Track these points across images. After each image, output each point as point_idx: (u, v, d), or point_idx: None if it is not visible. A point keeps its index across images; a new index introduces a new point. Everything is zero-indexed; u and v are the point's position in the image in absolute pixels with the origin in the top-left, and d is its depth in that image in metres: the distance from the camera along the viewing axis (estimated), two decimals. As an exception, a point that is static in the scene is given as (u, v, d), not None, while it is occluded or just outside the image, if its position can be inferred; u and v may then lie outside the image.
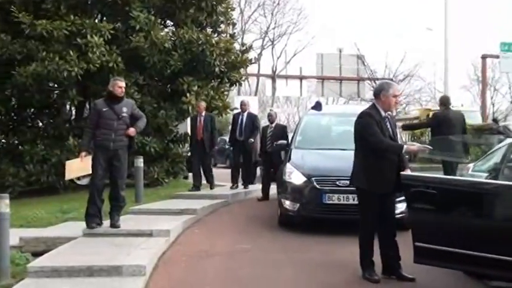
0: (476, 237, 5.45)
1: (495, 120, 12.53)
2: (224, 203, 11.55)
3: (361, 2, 66.13)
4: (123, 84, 8.25)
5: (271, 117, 12.92)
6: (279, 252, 7.60)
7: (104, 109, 7.94)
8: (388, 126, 6.47)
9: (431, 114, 18.99)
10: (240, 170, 13.25)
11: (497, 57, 24.09)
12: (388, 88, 6.53)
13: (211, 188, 12.67)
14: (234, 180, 13.11)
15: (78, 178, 7.89)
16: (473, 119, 18.25)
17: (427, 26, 37.30)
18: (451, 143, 10.51)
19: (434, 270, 6.08)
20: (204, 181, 12.78)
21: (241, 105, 13.33)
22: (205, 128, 12.26)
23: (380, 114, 6.45)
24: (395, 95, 6.53)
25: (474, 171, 7.06)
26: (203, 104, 12.63)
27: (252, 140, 12.66)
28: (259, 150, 12.99)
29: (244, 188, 13.11)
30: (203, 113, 12.42)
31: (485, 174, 6.61)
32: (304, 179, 8.74)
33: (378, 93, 6.59)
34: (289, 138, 11.26)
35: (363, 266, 6.44)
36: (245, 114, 12.87)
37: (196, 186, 12.48)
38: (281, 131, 12.37)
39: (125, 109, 8.11)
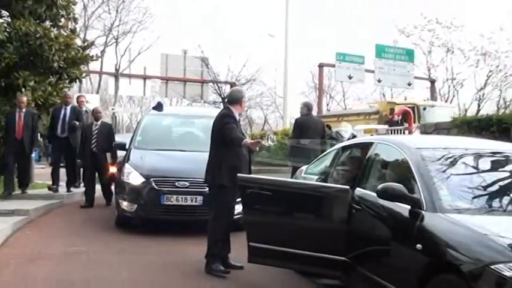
0: (300, 236, 5.67)
1: (328, 126, 13.23)
2: (59, 204, 11.23)
3: (206, 5, 66.65)
4: None
5: (97, 115, 11.55)
6: (115, 254, 7.53)
7: None
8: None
9: (396, 108, 19.50)
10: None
11: (333, 66, 25.27)
12: (245, 95, 7.35)
13: (22, 193, 11.34)
14: (55, 182, 11.89)
15: None
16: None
17: (269, 33, 38.48)
18: (302, 149, 11.07)
19: (271, 270, 6.31)
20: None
21: (65, 97, 12.29)
22: (26, 125, 10.92)
23: (235, 117, 6.89)
24: (245, 100, 7.25)
25: (306, 174, 7.39)
26: (24, 99, 11.31)
27: (77, 122, 11.62)
28: (81, 150, 11.52)
29: (67, 191, 12.05)
30: (23, 109, 11.11)
31: (316, 177, 6.93)
32: (143, 179, 8.73)
33: (239, 99, 7.06)
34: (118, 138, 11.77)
35: (211, 260, 6.66)
36: (68, 108, 11.84)
37: (9, 191, 10.93)
38: (107, 130, 11.46)
39: None
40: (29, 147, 11.06)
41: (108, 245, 8.09)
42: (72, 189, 12.24)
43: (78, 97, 13.89)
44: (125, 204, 8.95)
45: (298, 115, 12.52)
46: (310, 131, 11.21)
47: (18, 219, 9.18)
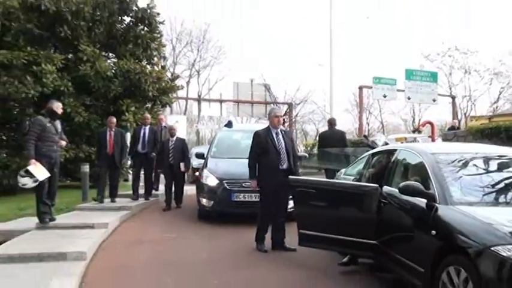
0: (339, 224, 5.69)
1: (365, 136, 13.23)
2: (154, 202, 11.37)
3: (267, 41, 66.96)
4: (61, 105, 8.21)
5: (172, 131, 10.86)
6: (197, 240, 7.68)
7: (48, 124, 7.67)
8: (281, 138, 7.03)
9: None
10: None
11: (370, 87, 24.93)
12: (271, 112, 7.27)
13: (111, 201, 10.39)
14: (135, 192, 11.00)
15: (25, 184, 7.50)
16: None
17: (318, 62, 38.46)
18: (329, 155, 11.08)
19: (317, 251, 6.30)
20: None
21: (144, 119, 11.48)
22: (116, 142, 10.25)
23: (269, 130, 7.06)
24: (276, 115, 7.15)
25: (345, 175, 7.36)
26: (114, 120, 10.59)
27: (154, 154, 10.96)
28: (158, 162, 11.09)
29: (145, 199, 11.07)
30: (113, 129, 10.35)
31: (352, 177, 6.90)
32: (218, 181, 8.88)
33: (269, 117, 7.34)
34: (193, 151, 11.79)
35: (257, 240, 6.97)
36: (147, 128, 11.09)
37: (102, 197, 10.30)
38: (181, 144, 10.79)
39: (59, 125, 8.00)
40: (119, 161, 10.38)
41: (192, 232, 8.25)
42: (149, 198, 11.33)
43: (158, 115, 13.65)
44: (204, 201, 9.12)
45: (342, 127, 12.56)
46: (330, 141, 11.24)
47: (123, 213, 9.42)
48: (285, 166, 6.94)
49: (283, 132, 7.20)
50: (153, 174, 11.78)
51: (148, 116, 11.61)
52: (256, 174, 7.05)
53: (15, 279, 5.09)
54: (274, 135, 7.01)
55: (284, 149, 6.99)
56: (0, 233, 7.67)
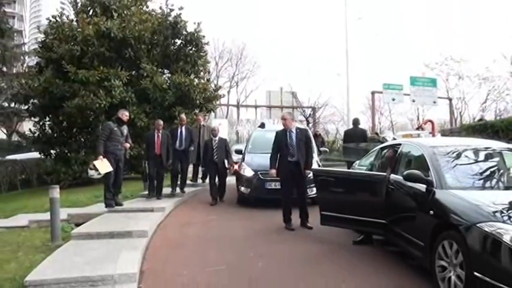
0: (355, 207, 5.73)
1: (377, 133, 13.10)
2: (200, 190, 11.22)
3: (294, 55, 66.61)
4: (127, 113, 8.49)
5: (214, 132, 10.02)
6: (236, 221, 7.72)
7: (115, 128, 8.06)
8: (293, 136, 7.08)
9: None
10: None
11: (381, 92, 24.50)
12: (283, 117, 7.33)
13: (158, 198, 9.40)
14: (173, 185, 10.06)
15: (92, 175, 7.87)
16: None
17: (337, 72, 38.13)
18: (351, 149, 11.01)
19: (336, 230, 6.32)
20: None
21: (180, 120, 10.29)
22: (162, 143, 9.39)
23: (285, 130, 7.12)
24: (285, 118, 7.22)
25: (359, 166, 7.32)
26: (161, 122, 9.67)
27: (192, 148, 10.09)
28: (202, 160, 10.26)
29: (181, 191, 10.17)
30: (161, 131, 9.48)
31: (365, 168, 6.87)
32: (253, 172, 8.94)
33: (282, 119, 7.36)
34: (233, 148, 11.45)
35: (285, 221, 7.01)
36: (183, 128, 10.00)
37: (151, 193, 9.54)
38: (223, 143, 9.87)
39: (125, 130, 8.30)
40: (166, 160, 9.43)
41: (232, 215, 8.30)
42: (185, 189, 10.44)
43: (196, 116, 13.01)
44: (242, 189, 9.19)
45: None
46: (353, 137, 11.22)
47: (177, 199, 9.51)
48: (294, 159, 7.00)
49: (298, 131, 7.21)
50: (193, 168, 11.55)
51: (184, 117, 10.53)
52: (276, 165, 7.14)
53: (95, 252, 5.27)
54: (288, 134, 7.09)
55: (295, 145, 7.04)
56: (81, 216, 7.94)
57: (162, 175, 9.56)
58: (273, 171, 7.19)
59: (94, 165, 7.59)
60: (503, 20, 46.96)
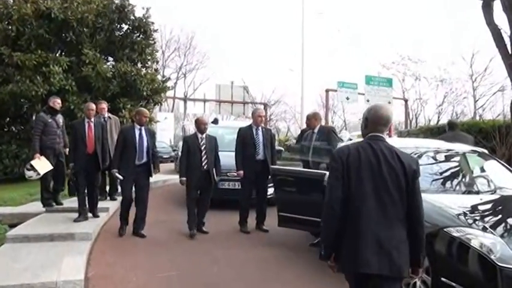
0: (314, 207, 5.71)
1: (334, 132, 13.36)
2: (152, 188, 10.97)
3: (246, 48, 66.79)
4: (59, 100, 7.92)
5: (204, 126, 7.47)
6: (184, 223, 7.56)
7: (49, 120, 7.52)
8: (260, 134, 7.11)
9: None
10: None
11: (335, 90, 24.97)
12: (255, 111, 7.38)
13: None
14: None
15: (31, 176, 7.34)
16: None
17: (289, 68, 38.73)
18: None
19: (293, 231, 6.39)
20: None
21: (138, 116, 8.38)
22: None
23: (251, 127, 7.14)
24: (260, 115, 7.24)
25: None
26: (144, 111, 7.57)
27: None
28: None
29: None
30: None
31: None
32: (205, 171, 8.83)
33: (252, 114, 7.44)
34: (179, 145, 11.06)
35: (240, 223, 7.06)
36: (143, 129, 8.17)
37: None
38: (213, 143, 7.45)
39: (61, 119, 7.83)
40: (102, 161, 7.24)
41: (184, 217, 7.92)
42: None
43: (99, 104, 8.99)
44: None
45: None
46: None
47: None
48: (260, 157, 7.04)
49: (263, 129, 7.25)
50: None
51: (146, 112, 9.27)
52: (241, 165, 7.09)
53: (35, 256, 5.03)
54: (254, 131, 7.10)
55: (261, 143, 7.08)
56: (15, 216, 7.55)
57: (95, 185, 7.33)
58: (241, 172, 7.11)
59: (31, 166, 7.17)
60: (462, 22, 49.54)
